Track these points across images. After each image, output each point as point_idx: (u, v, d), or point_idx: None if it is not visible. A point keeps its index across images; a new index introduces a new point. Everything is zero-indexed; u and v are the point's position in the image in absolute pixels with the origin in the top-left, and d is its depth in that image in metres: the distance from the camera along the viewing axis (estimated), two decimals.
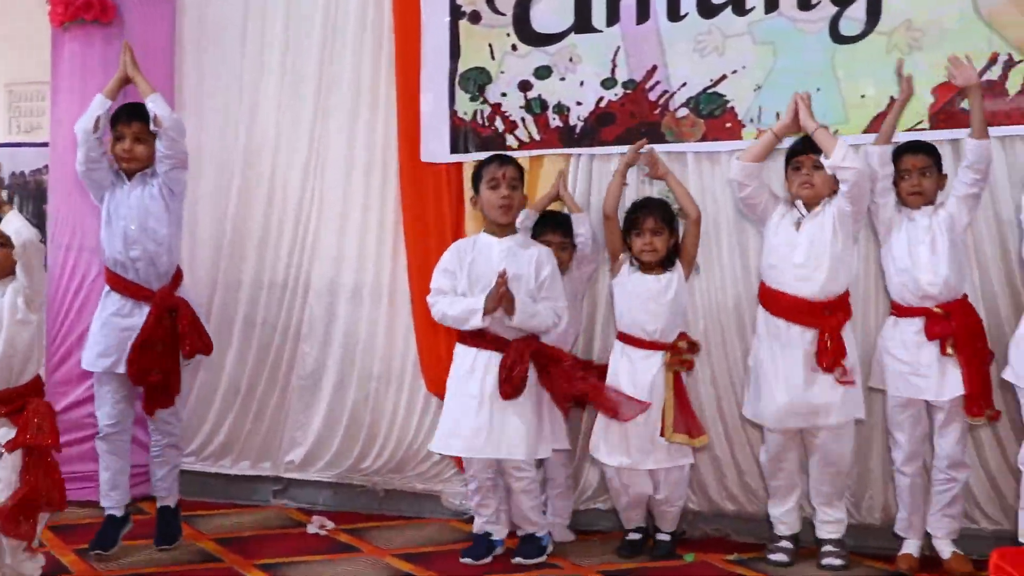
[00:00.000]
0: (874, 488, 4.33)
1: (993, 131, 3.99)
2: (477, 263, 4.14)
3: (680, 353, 4.14)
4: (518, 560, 4.12)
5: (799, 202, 4.09)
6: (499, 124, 4.76)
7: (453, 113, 4.83)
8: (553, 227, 4.39)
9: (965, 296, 3.94)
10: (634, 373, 4.13)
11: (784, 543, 4.17)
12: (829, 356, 3.94)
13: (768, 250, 4.13)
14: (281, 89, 5.18)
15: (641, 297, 4.17)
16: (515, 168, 4.23)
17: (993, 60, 4.08)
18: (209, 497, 5.06)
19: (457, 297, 4.12)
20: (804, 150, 4.05)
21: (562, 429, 4.29)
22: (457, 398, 4.13)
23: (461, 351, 4.16)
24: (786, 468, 4.18)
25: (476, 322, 4.02)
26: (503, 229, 4.19)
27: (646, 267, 4.20)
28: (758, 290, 4.19)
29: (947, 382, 3.84)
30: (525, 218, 4.34)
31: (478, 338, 4.10)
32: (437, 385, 4.60)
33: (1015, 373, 3.71)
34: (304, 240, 5.13)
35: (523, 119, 4.73)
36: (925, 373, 3.87)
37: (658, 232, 4.16)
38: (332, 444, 5.07)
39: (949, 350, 3.82)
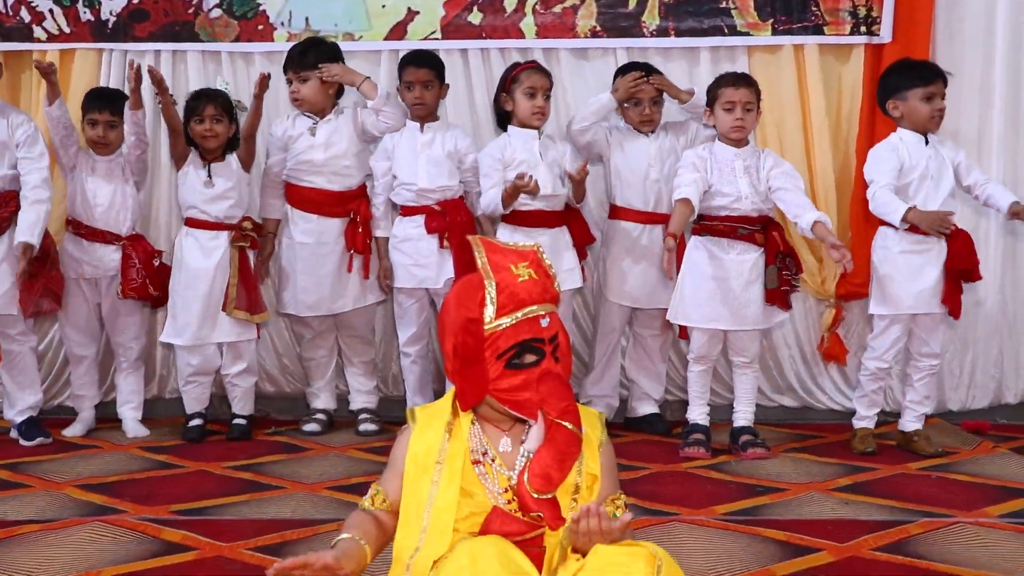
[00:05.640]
0: (397, 366, 4.82)
1: (491, 44, 4.59)
2: None
3: (244, 231, 4.35)
4: (40, 441, 4.22)
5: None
6: (25, 14, 4.62)
7: None
8: (100, 107, 4.36)
9: (462, 198, 4.43)
10: (203, 252, 4.30)
11: (318, 415, 4.56)
12: (358, 240, 4.39)
13: (294, 154, 4.43)
14: None
15: (201, 184, 4.31)
16: None
17: None
18: None
19: None
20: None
21: None
22: None
23: None
24: (322, 347, 4.59)
25: None
26: None
27: (208, 154, 4.34)
28: (286, 191, 4.50)
29: (443, 271, 4.33)
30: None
31: None
32: None
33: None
34: None
35: (51, 11, 4.63)
36: (425, 264, 4.37)
37: (219, 119, 4.32)
38: None
39: (445, 243, 4.31)
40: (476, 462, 2.07)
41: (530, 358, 2.03)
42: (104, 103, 4.37)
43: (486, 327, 2.03)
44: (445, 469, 2.04)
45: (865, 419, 4.22)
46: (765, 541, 3.01)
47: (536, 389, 2.01)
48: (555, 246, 4.27)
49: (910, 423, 4.21)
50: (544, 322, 2.04)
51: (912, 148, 4.06)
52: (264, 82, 4.29)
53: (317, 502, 3.43)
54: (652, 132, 4.43)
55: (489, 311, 2.03)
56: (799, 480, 3.74)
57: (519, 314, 2.02)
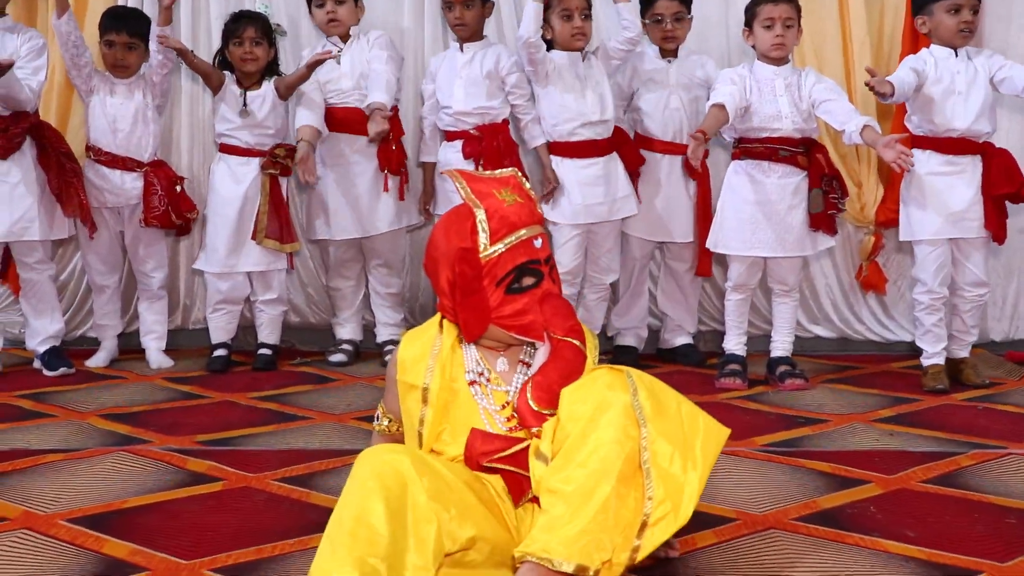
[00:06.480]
0: (424, 296, 4.73)
1: None
2: None
3: (276, 158, 4.23)
4: (63, 371, 4.16)
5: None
6: None
7: None
8: (117, 27, 4.19)
9: (505, 121, 4.27)
10: (234, 178, 4.22)
11: (344, 346, 4.48)
12: (392, 160, 4.26)
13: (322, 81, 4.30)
14: None
15: (235, 112, 4.20)
16: None
17: None
18: None
19: None
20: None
21: None
22: None
23: None
24: (349, 278, 4.49)
25: None
26: None
27: (246, 78, 4.23)
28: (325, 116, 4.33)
29: None
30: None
31: None
32: None
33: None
34: None
35: None
36: None
37: (258, 42, 4.19)
38: None
39: (481, 168, 4.15)
40: (472, 383, 2.11)
41: (529, 281, 2.07)
42: (122, 23, 4.21)
43: (482, 255, 2.05)
44: (431, 391, 2.10)
45: (933, 356, 3.99)
46: (810, 473, 2.91)
47: (540, 311, 2.06)
48: (608, 175, 4.16)
49: (958, 351, 4.07)
50: (537, 243, 2.08)
51: (941, 63, 3.86)
52: (324, 60, 4.13)
53: (344, 432, 3.35)
54: (675, 57, 4.27)
55: (482, 238, 2.05)
56: (840, 411, 3.63)
57: (512, 238, 2.06)
